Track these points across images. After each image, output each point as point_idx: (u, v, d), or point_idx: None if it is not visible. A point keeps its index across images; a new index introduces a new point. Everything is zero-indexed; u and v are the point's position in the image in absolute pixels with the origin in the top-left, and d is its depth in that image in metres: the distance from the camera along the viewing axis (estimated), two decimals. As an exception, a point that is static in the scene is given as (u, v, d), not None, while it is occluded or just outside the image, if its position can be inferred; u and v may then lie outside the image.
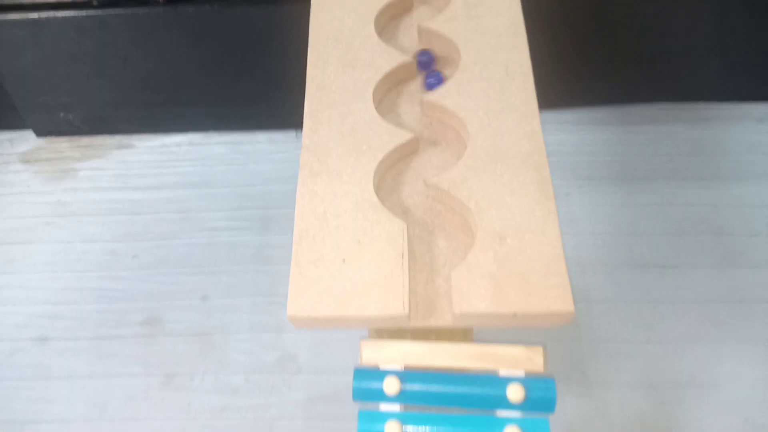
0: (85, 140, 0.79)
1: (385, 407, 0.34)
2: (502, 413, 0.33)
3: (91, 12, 0.67)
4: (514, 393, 0.32)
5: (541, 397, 0.33)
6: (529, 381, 0.33)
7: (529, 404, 0.33)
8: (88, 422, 0.54)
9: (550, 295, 0.27)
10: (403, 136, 0.33)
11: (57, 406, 0.55)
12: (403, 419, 0.33)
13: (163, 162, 0.75)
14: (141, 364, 0.57)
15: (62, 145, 0.79)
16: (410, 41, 0.38)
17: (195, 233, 0.67)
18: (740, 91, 0.73)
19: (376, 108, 0.34)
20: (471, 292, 0.28)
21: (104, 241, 0.67)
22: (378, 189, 0.32)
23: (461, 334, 0.36)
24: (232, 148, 0.76)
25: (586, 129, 0.73)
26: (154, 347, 0.58)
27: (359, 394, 0.34)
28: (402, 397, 0.34)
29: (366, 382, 0.34)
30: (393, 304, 0.28)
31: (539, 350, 0.33)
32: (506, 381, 0.33)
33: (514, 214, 0.30)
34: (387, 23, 0.39)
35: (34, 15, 0.67)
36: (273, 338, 0.58)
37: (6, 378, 0.57)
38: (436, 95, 0.34)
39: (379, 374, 0.34)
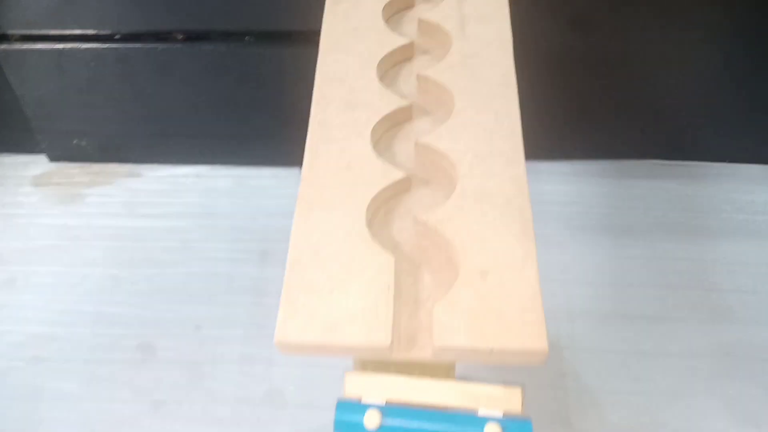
0: (96, 167, 0.81)
1: (365, 438, 0.34)
2: (479, 451, 0.34)
3: (112, 45, 0.71)
4: None
5: (517, 436, 0.33)
6: (506, 421, 0.33)
7: (505, 443, 0.33)
8: (74, 444, 0.54)
9: (526, 333, 0.29)
10: (396, 175, 0.34)
11: (46, 427, 0.56)
12: (382, 450, 0.34)
13: (169, 192, 0.77)
14: (131, 390, 0.58)
15: (73, 170, 0.81)
16: (409, 87, 0.40)
17: (194, 263, 0.68)
18: (732, 153, 0.75)
19: (373, 146, 0.36)
20: (451, 326, 0.29)
21: (105, 267, 0.69)
22: (370, 223, 0.33)
23: (444, 370, 0.36)
24: (237, 182, 0.78)
25: (582, 181, 0.75)
26: (145, 373, 0.59)
27: (340, 427, 0.35)
28: (382, 431, 0.34)
29: (348, 415, 0.35)
30: (377, 335, 0.29)
31: (517, 391, 0.34)
32: (484, 420, 0.33)
33: (496, 252, 0.31)
34: (389, 69, 0.41)
35: (59, 46, 0.71)
36: (262, 371, 0.59)
37: (-2, 396, 0.58)
38: (429, 138, 0.36)
39: (360, 407, 0.34)
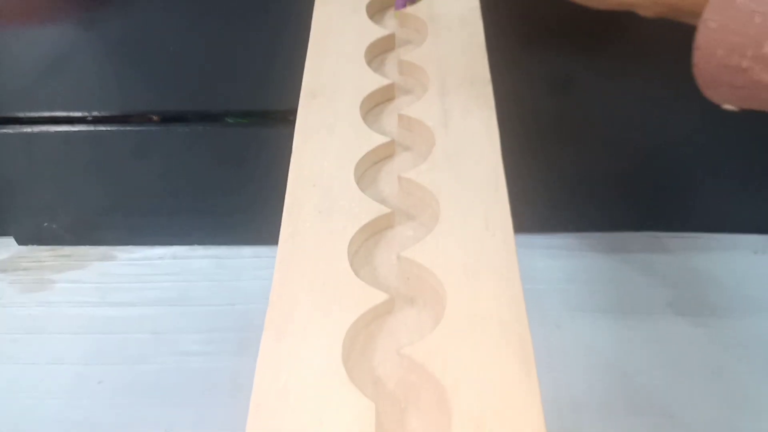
0: (68, 250, 0.77)
1: None
2: None
3: (83, 128, 0.68)
4: None
5: None
6: None
7: None
8: None
9: (533, 501, 0.24)
10: (377, 297, 0.31)
11: None
12: None
13: (143, 276, 0.73)
14: None
15: (43, 254, 0.77)
16: (390, 190, 0.37)
17: (166, 357, 0.63)
18: (733, 223, 0.72)
19: (351, 259, 0.33)
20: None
21: (70, 363, 0.63)
22: (347, 355, 0.29)
23: None
24: (215, 263, 0.74)
25: (577, 255, 0.72)
26: (107, 492, 0.53)
27: None
28: None
29: None
30: (355, 502, 0.25)
31: None
32: None
33: (493, 395, 0.27)
34: (367, 169, 0.38)
35: (28, 129, 0.68)
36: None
37: None
38: (413, 251, 0.32)
39: None
